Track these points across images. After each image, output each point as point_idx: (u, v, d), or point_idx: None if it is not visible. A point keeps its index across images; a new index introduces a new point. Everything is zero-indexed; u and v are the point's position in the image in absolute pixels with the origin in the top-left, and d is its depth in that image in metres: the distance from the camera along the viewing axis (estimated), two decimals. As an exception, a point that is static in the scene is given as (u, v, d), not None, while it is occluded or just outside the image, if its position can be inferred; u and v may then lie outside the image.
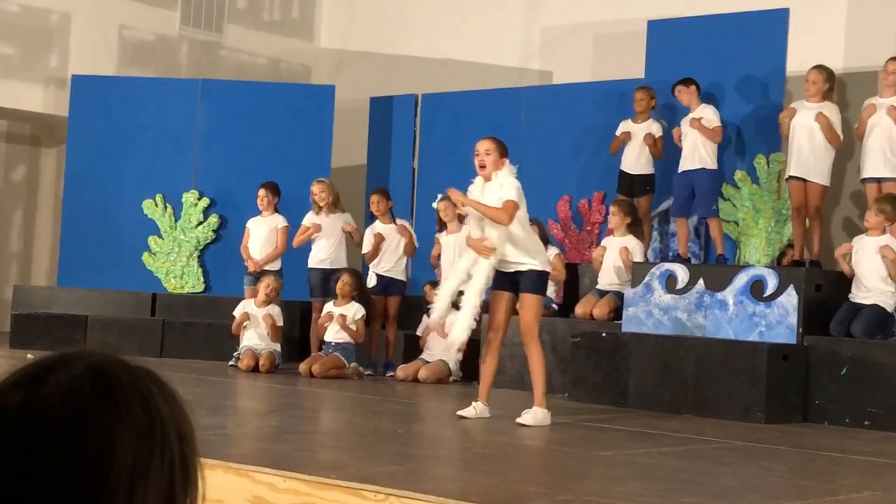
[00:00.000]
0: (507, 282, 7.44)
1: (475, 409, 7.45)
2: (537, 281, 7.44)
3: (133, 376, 1.28)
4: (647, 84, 10.75)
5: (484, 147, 7.39)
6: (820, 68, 9.53)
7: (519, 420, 7.21)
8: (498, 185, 7.31)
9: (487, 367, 7.57)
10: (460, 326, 7.41)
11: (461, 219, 10.68)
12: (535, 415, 7.24)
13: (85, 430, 1.21)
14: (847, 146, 10.05)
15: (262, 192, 11.58)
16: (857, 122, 9.61)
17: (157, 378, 1.31)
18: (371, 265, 11.20)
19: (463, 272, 7.52)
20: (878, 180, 9.27)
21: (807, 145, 9.45)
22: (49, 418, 1.21)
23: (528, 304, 7.42)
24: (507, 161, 7.40)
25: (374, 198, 11.22)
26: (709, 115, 10.02)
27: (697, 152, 10.00)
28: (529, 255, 7.38)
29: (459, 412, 7.49)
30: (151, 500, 1.23)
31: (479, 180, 7.47)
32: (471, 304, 7.38)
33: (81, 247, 12.67)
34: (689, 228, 10.36)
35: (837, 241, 10.35)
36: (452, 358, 10.42)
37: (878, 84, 9.55)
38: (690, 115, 10.05)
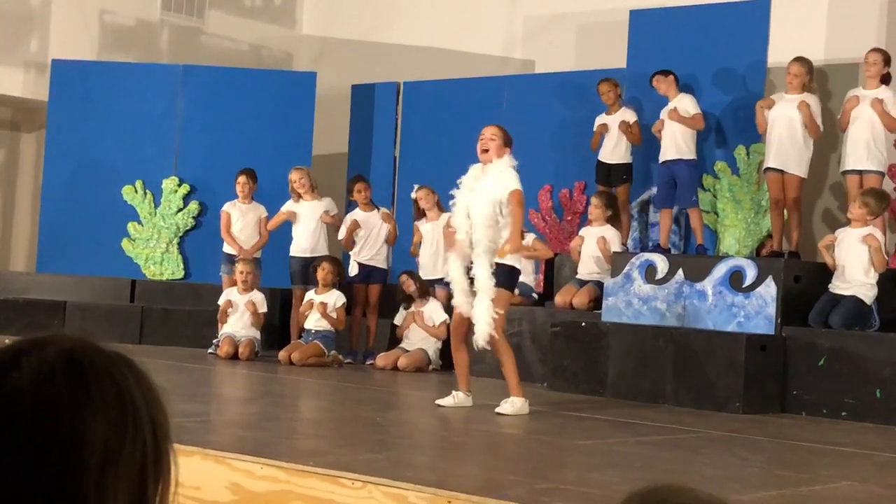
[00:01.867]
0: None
1: (454, 399, 7.45)
2: (508, 275, 7.36)
3: (107, 361, 1.27)
4: (627, 73, 10.76)
5: (490, 132, 7.37)
6: (801, 60, 9.50)
7: (498, 410, 7.22)
8: (497, 172, 7.25)
9: (462, 358, 7.54)
10: (481, 329, 7.24)
11: (440, 207, 10.68)
12: (513, 404, 7.25)
13: (56, 414, 1.20)
14: (829, 138, 10.07)
15: (243, 178, 11.52)
16: (838, 113, 9.62)
17: (131, 364, 1.30)
18: (352, 253, 11.18)
19: (460, 267, 7.40)
20: (860, 172, 9.27)
21: (786, 137, 9.45)
22: (21, 402, 1.21)
23: (495, 298, 7.29)
24: (510, 151, 7.35)
25: (360, 186, 11.18)
26: (686, 104, 10.03)
27: (675, 143, 10.01)
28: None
29: (438, 401, 7.50)
30: (122, 486, 1.22)
31: (474, 168, 7.40)
32: (485, 304, 7.21)
33: (60, 232, 12.61)
34: (671, 219, 10.37)
35: (818, 233, 10.38)
36: (432, 347, 10.43)
37: (861, 76, 9.56)
38: (668, 106, 10.06)
